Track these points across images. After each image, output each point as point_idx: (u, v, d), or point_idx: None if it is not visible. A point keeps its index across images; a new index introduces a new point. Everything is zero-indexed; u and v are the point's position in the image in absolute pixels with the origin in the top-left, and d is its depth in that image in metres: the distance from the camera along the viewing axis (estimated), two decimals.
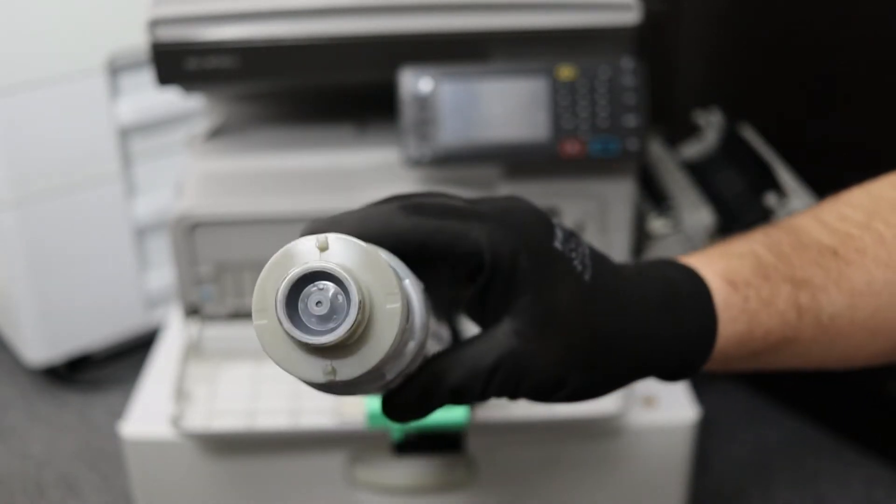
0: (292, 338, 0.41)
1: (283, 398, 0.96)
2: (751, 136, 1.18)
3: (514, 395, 0.51)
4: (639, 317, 0.51)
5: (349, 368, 0.42)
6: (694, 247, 1.04)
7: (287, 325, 0.41)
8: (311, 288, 0.42)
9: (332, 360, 0.42)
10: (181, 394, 0.95)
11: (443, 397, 0.50)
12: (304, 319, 0.42)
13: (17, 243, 1.53)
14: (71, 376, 1.73)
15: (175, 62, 0.94)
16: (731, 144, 1.18)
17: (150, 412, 1.03)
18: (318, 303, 0.41)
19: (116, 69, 1.53)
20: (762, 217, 1.05)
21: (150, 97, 1.55)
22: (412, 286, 0.46)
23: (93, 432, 1.61)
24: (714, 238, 1.03)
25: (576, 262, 0.50)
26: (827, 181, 1.11)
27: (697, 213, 1.03)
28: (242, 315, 1.00)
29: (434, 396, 0.49)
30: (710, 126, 1.24)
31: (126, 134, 1.58)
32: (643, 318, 0.51)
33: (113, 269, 1.64)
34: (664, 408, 1.05)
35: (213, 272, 0.97)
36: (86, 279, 1.61)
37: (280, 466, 1.01)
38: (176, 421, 0.92)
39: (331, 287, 0.41)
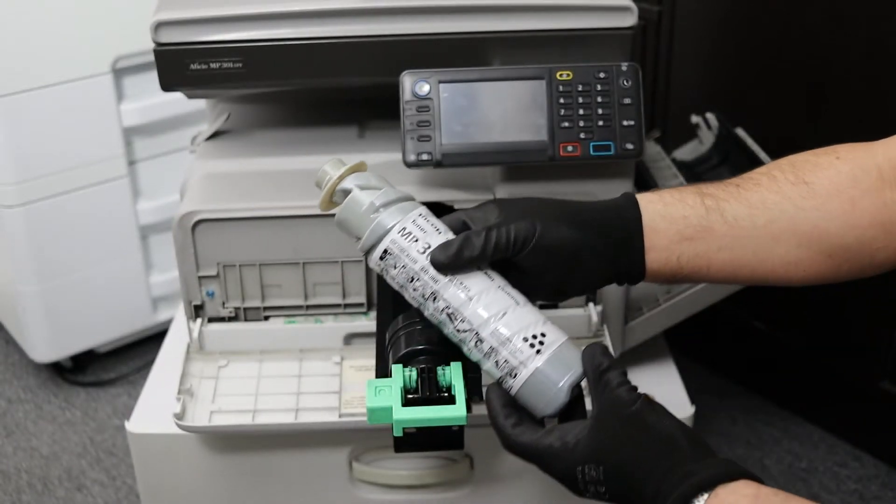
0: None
1: (285, 396, 0.97)
2: (746, 138, 1.20)
3: None
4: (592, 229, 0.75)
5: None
6: None
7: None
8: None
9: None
10: (185, 391, 0.96)
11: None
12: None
13: (24, 243, 1.54)
14: (77, 374, 1.74)
15: (178, 65, 0.95)
16: (727, 146, 1.19)
17: (155, 409, 1.04)
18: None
19: (121, 72, 1.54)
20: None
21: (154, 100, 1.56)
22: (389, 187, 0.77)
23: (98, 429, 1.62)
24: None
25: None
26: None
27: None
28: (245, 314, 1.01)
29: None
30: (706, 128, 1.25)
31: (131, 136, 1.59)
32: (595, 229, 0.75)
33: (118, 269, 1.65)
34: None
35: (216, 271, 0.98)
36: (92, 278, 1.62)
37: (282, 462, 1.02)
38: (180, 418, 0.93)
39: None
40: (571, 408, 0.71)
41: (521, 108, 0.93)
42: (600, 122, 0.93)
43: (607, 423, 0.68)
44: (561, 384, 0.70)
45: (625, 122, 0.94)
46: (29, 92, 1.46)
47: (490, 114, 0.92)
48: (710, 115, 1.26)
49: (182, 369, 0.98)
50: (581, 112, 0.94)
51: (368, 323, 1.00)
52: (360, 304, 1.01)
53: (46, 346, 1.64)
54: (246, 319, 1.01)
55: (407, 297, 0.76)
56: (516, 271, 0.74)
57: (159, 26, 0.94)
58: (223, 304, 1.00)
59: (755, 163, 1.12)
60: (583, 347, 0.72)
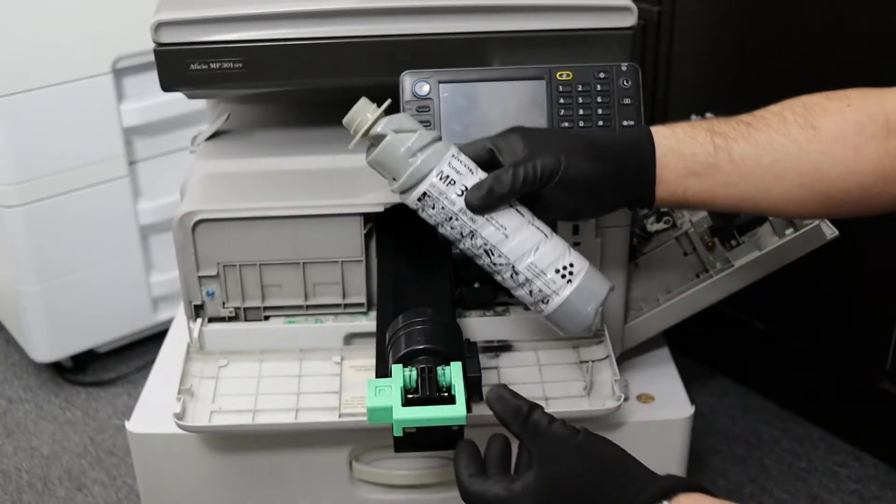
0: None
1: (285, 396, 0.97)
2: None
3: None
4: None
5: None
6: (690, 246, 1.05)
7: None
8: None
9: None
10: (185, 391, 0.96)
11: None
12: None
13: (24, 243, 1.55)
14: (77, 374, 1.74)
15: (178, 65, 0.95)
16: None
17: (155, 409, 1.05)
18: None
19: (121, 72, 1.54)
20: (757, 217, 1.06)
21: (154, 100, 1.56)
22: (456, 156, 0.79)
23: (98, 429, 1.62)
24: (710, 238, 1.05)
25: None
26: None
27: (694, 214, 1.05)
28: (245, 314, 1.01)
29: None
30: None
31: (131, 136, 1.60)
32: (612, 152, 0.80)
33: (118, 269, 1.65)
34: (660, 404, 1.06)
35: (216, 271, 0.98)
36: (92, 278, 1.62)
37: (282, 462, 1.02)
38: (180, 417, 0.93)
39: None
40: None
41: (521, 108, 0.93)
42: (600, 122, 0.94)
43: (552, 461, 0.70)
44: (589, 309, 0.80)
45: (625, 122, 0.94)
46: (29, 92, 1.46)
47: (490, 114, 0.92)
48: (710, 116, 1.26)
49: (182, 369, 0.98)
50: (581, 112, 0.94)
51: (368, 323, 1.00)
52: (360, 304, 1.02)
53: (47, 345, 1.64)
54: (246, 319, 1.02)
55: (443, 232, 0.81)
56: (539, 200, 0.80)
57: (159, 26, 0.94)
58: (223, 304, 1.00)
59: None
60: (600, 277, 0.82)
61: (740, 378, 1.68)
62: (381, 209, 0.96)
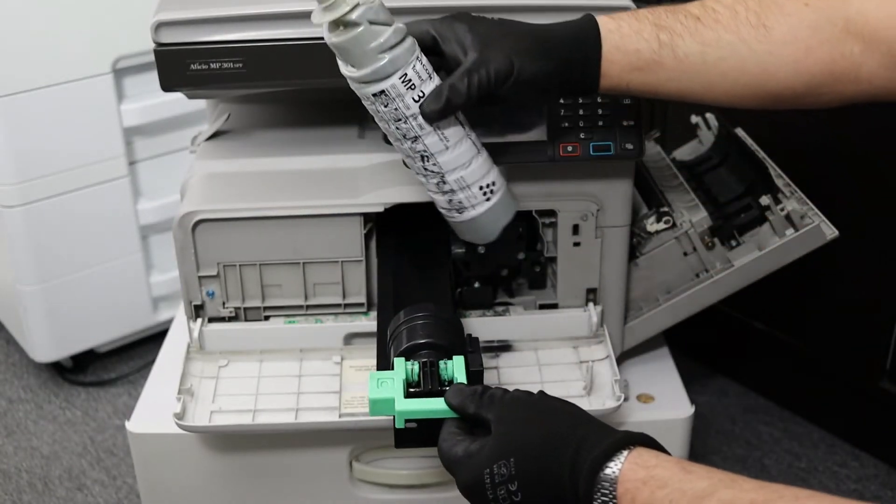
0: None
1: (285, 396, 0.97)
2: (745, 138, 1.20)
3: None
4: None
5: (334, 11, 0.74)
6: (690, 246, 1.05)
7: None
8: None
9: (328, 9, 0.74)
10: (185, 391, 0.96)
11: None
12: None
13: (24, 243, 1.55)
14: (77, 374, 1.74)
15: (179, 65, 0.95)
16: (727, 146, 1.19)
17: (155, 409, 1.05)
18: None
19: (121, 72, 1.54)
20: (757, 217, 1.06)
21: (154, 100, 1.56)
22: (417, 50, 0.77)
23: (99, 429, 1.62)
24: (710, 238, 1.05)
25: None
26: (818, 181, 1.13)
27: (694, 214, 1.05)
28: (245, 314, 1.01)
29: None
30: (706, 128, 1.25)
31: (131, 136, 1.59)
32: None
33: (119, 269, 1.65)
34: (660, 404, 1.06)
35: (217, 271, 0.98)
36: (92, 278, 1.62)
37: (282, 462, 1.02)
38: (180, 417, 0.93)
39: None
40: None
41: (521, 107, 0.93)
42: (600, 122, 0.94)
43: (510, 418, 0.70)
44: (496, 226, 0.86)
45: (624, 122, 0.94)
46: (30, 92, 1.46)
47: (489, 113, 0.92)
48: (709, 115, 1.26)
49: (182, 369, 0.99)
50: (581, 112, 0.94)
51: (368, 323, 1.01)
52: (360, 304, 1.02)
53: (47, 345, 1.64)
54: (246, 319, 1.02)
55: (385, 129, 0.81)
56: (486, 96, 0.79)
57: (160, 26, 0.94)
58: (223, 304, 1.00)
59: (755, 163, 1.12)
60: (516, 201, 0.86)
61: (740, 378, 1.68)
62: (381, 209, 0.96)
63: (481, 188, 0.84)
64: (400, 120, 0.79)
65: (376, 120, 0.82)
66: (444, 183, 0.83)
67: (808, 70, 0.78)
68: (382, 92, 0.78)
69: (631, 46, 0.79)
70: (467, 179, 0.83)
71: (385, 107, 0.79)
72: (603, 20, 0.79)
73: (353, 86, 0.80)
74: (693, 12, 0.79)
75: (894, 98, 0.80)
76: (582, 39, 0.79)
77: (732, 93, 0.80)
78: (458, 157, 0.82)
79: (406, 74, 0.77)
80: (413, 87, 0.78)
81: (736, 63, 0.78)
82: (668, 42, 0.78)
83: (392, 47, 0.76)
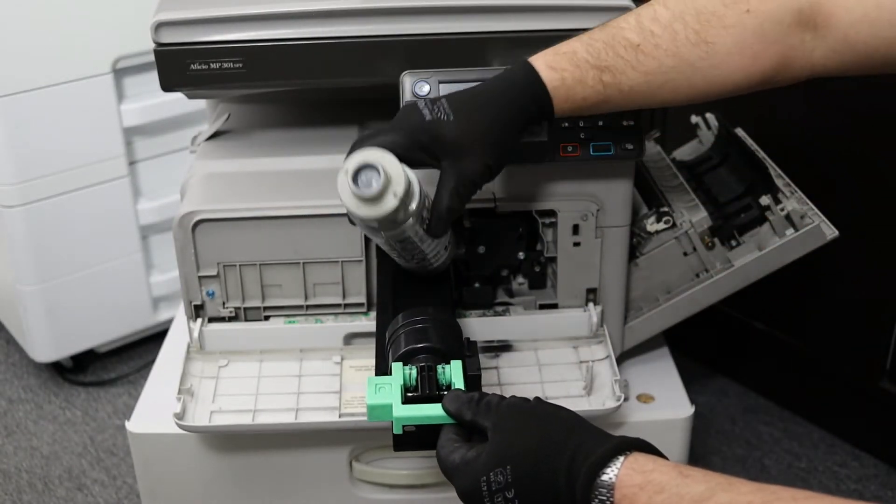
0: (354, 194, 0.76)
1: (285, 396, 0.97)
2: (745, 138, 1.20)
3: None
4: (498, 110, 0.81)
5: (381, 208, 0.76)
6: (690, 246, 1.05)
7: (352, 185, 0.76)
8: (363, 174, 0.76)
9: (372, 205, 0.76)
10: (185, 391, 0.96)
11: None
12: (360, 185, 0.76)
13: (24, 243, 1.55)
14: (77, 374, 1.74)
15: (179, 65, 0.95)
16: (727, 146, 1.19)
17: (155, 409, 1.05)
18: (368, 179, 0.76)
19: (121, 72, 1.54)
20: (757, 217, 1.06)
21: (154, 100, 1.56)
22: (412, 175, 0.78)
23: (99, 429, 1.62)
24: (710, 238, 1.05)
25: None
26: (818, 181, 1.13)
27: (694, 214, 1.05)
28: (245, 314, 1.01)
29: None
30: (706, 128, 1.25)
31: (131, 136, 1.60)
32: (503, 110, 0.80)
33: (119, 269, 1.65)
34: (660, 404, 1.06)
35: (217, 271, 0.98)
36: (92, 278, 1.62)
37: (281, 462, 1.02)
38: (180, 417, 0.93)
39: (373, 172, 0.76)
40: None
41: None
42: (600, 123, 0.94)
43: (506, 426, 0.70)
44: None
45: (624, 123, 0.94)
46: (30, 92, 1.46)
47: None
48: (709, 115, 1.26)
49: (182, 369, 0.99)
50: None
51: (368, 323, 1.01)
52: (360, 304, 1.02)
53: (47, 345, 1.64)
54: (246, 319, 1.02)
55: (381, 244, 0.85)
56: None
57: (160, 27, 0.94)
58: (223, 304, 1.00)
59: (755, 163, 1.12)
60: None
61: (740, 378, 1.68)
62: None
63: (445, 247, 0.89)
64: (405, 241, 0.83)
65: (376, 239, 0.85)
66: (424, 259, 0.88)
67: (759, 70, 0.78)
68: (403, 236, 0.82)
69: (578, 96, 0.80)
70: (440, 247, 0.88)
71: (394, 238, 0.82)
72: (545, 73, 0.79)
73: (364, 229, 0.83)
74: (632, 40, 0.79)
75: (846, 74, 0.80)
76: (535, 108, 0.80)
77: (680, 100, 0.82)
78: (441, 241, 0.87)
79: (417, 230, 0.81)
80: (421, 217, 0.81)
81: (682, 82, 0.79)
82: (612, 82, 0.79)
83: (411, 206, 0.79)
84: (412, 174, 0.79)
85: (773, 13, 0.77)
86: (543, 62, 0.80)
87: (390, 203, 0.76)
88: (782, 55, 0.78)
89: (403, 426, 0.76)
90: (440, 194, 0.80)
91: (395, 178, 0.76)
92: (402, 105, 0.92)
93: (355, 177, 0.76)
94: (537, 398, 0.74)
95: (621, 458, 0.65)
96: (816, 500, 0.58)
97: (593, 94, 0.80)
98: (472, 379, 0.79)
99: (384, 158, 0.76)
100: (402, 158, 0.78)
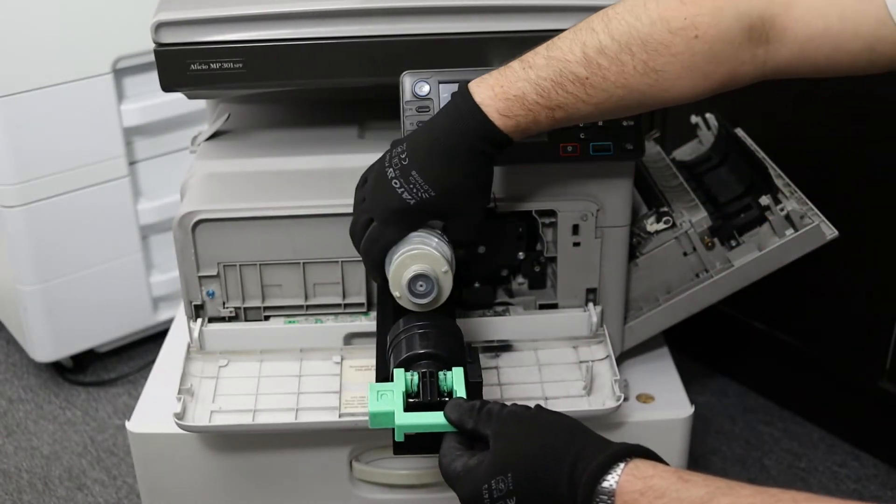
0: (415, 303, 0.84)
1: (285, 395, 0.97)
2: (745, 138, 1.20)
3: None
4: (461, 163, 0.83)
5: (438, 299, 0.84)
6: (690, 246, 1.05)
7: (412, 297, 0.84)
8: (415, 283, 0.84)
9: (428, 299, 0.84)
10: (185, 391, 0.96)
11: None
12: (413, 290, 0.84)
13: (24, 243, 1.55)
14: (77, 374, 1.74)
15: (179, 65, 0.95)
16: (727, 146, 1.19)
17: (155, 409, 1.05)
18: (421, 285, 0.83)
19: (121, 72, 1.54)
20: (757, 217, 1.06)
21: (154, 100, 1.56)
22: (444, 246, 0.85)
23: (99, 429, 1.62)
24: (710, 238, 1.05)
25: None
26: (818, 181, 1.13)
27: (694, 214, 1.05)
28: (245, 314, 1.01)
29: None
30: (706, 128, 1.26)
31: (131, 136, 1.60)
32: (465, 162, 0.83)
33: (119, 269, 1.65)
34: (660, 404, 1.06)
35: (217, 271, 0.98)
36: (92, 278, 1.62)
37: (281, 462, 1.03)
38: (180, 417, 0.93)
39: (422, 278, 0.83)
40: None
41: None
42: (600, 122, 0.94)
43: (507, 434, 0.71)
44: None
45: (624, 123, 0.94)
46: (30, 92, 1.46)
47: None
48: (709, 115, 1.26)
49: (182, 369, 0.99)
50: None
51: (368, 323, 1.01)
52: (360, 304, 1.02)
53: (47, 345, 1.64)
54: (246, 319, 1.02)
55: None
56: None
57: (160, 27, 0.94)
58: (223, 304, 1.00)
59: (755, 163, 1.12)
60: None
61: (740, 378, 1.68)
62: None
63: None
64: None
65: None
66: None
67: (709, 86, 0.78)
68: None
69: (532, 131, 0.82)
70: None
71: None
72: (498, 121, 0.80)
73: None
74: (579, 74, 0.78)
75: (797, 77, 0.80)
76: (496, 148, 0.82)
77: (632, 113, 0.84)
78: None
79: None
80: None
81: (633, 103, 0.80)
82: (564, 116, 0.80)
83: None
84: (442, 244, 0.85)
85: (722, 35, 0.75)
86: (495, 110, 0.80)
87: (445, 288, 0.84)
88: (733, 70, 0.78)
89: (404, 432, 0.76)
90: (457, 236, 0.86)
91: (441, 273, 0.83)
92: (402, 105, 0.92)
93: (409, 288, 0.83)
94: (538, 406, 0.74)
95: (622, 465, 0.65)
96: (817, 503, 0.58)
97: (548, 126, 0.82)
98: (474, 386, 0.79)
99: (428, 258, 0.83)
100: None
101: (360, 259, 0.98)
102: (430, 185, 0.82)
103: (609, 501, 0.64)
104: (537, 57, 0.80)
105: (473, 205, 0.85)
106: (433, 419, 0.75)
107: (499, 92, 0.80)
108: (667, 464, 0.67)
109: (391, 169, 0.83)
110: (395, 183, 0.82)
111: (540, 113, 0.80)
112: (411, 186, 0.82)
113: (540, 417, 0.72)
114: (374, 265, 0.86)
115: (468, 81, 0.83)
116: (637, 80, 0.77)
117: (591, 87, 0.78)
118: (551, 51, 0.80)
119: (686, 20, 0.76)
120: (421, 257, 0.83)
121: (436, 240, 0.85)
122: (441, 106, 0.92)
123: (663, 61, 0.76)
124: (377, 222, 0.84)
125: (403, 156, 0.83)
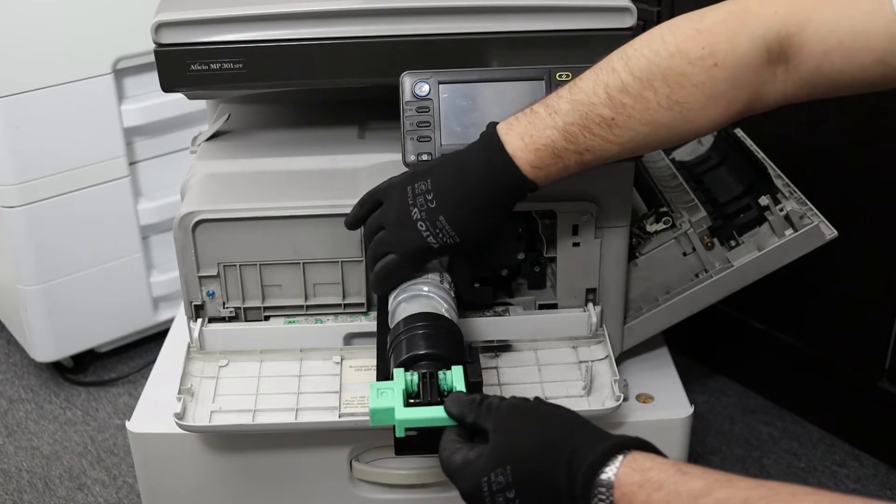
0: None
1: (285, 395, 0.97)
2: (745, 138, 1.20)
3: None
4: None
5: None
6: (690, 246, 1.05)
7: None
8: None
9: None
10: (185, 391, 0.96)
11: None
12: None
13: (25, 243, 1.55)
14: (77, 374, 1.74)
15: (179, 66, 0.95)
16: (726, 146, 1.19)
17: (155, 409, 1.05)
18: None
19: (122, 73, 1.54)
20: (757, 218, 1.06)
21: (154, 100, 1.56)
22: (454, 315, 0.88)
23: (99, 429, 1.63)
24: (710, 238, 1.05)
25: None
26: (818, 182, 1.13)
27: (693, 214, 1.05)
28: (245, 314, 1.02)
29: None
30: None
31: (132, 136, 1.60)
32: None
33: (119, 269, 1.65)
34: (659, 404, 1.06)
35: (217, 271, 0.99)
36: (92, 278, 1.63)
37: (281, 462, 1.03)
38: (180, 417, 0.93)
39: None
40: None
41: (520, 108, 0.93)
42: None
43: (507, 427, 0.71)
44: None
45: None
46: (30, 92, 1.46)
47: (490, 115, 0.92)
48: None
49: (182, 369, 0.99)
50: None
51: (368, 323, 1.01)
52: (360, 304, 1.02)
53: (47, 345, 1.65)
54: (246, 319, 1.02)
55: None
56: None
57: (160, 27, 0.94)
58: (223, 304, 1.00)
59: (754, 163, 1.12)
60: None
61: (739, 378, 1.68)
62: None
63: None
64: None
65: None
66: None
67: (733, 112, 0.79)
68: None
69: (561, 175, 0.83)
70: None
71: None
72: (530, 173, 0.82)
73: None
74: (605, 115, 0.79)
75: (815, 98, 0.81)
76: (521, 196, 0.85)
77: (660, 149, 0.88)
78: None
79: None
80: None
81: (658, 141, 0.81)
82: (592, 159, 0.82)
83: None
84: (448, 294, 0.89)
85: (741, 60, 0.76)
86: (527, 163, 0.82)
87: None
88: (755, 93, 0.78)
89: (405, 429, 0.77)
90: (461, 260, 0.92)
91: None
92: (402, 105, 0.92)
93: None
94: (537, 398, 0.74)
95: (620, 457, 0.65)
96: (815, 496, 0.58)
97: (576, 170, 0.83)
98: (474, 385, 0.80)
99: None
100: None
101: (360, 259, 0.99)
102: (456, 231, 0.84)
103: (607, 493, 0.64)
104: (561, 101, 0.81)
105: (489, 241, 0.89)
106: (434, 414, 0.76)
107: (528, 142, 0.82)
108: (665, 456, 0.67)
109: (416, 210, 0.84)
110: (421, 226, 0.84)
111: (569, 158, 0.81)
112: (437, 231, 0.84)
113: (539, 410, 0.72)
114: (386, 291, 0.90)
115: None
116: (662, 114, 0.78)
117: (617, 126, 0.79)
118: (574, 94, 0.81)
119: (704, 49, 0.77)
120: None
121: (444, 294, 0.89)
122: (440, 106, 0.92)
123: (686, 93, 0.77)
124: (397, 256, 0.87)
125: (430, 197, 0.84)
